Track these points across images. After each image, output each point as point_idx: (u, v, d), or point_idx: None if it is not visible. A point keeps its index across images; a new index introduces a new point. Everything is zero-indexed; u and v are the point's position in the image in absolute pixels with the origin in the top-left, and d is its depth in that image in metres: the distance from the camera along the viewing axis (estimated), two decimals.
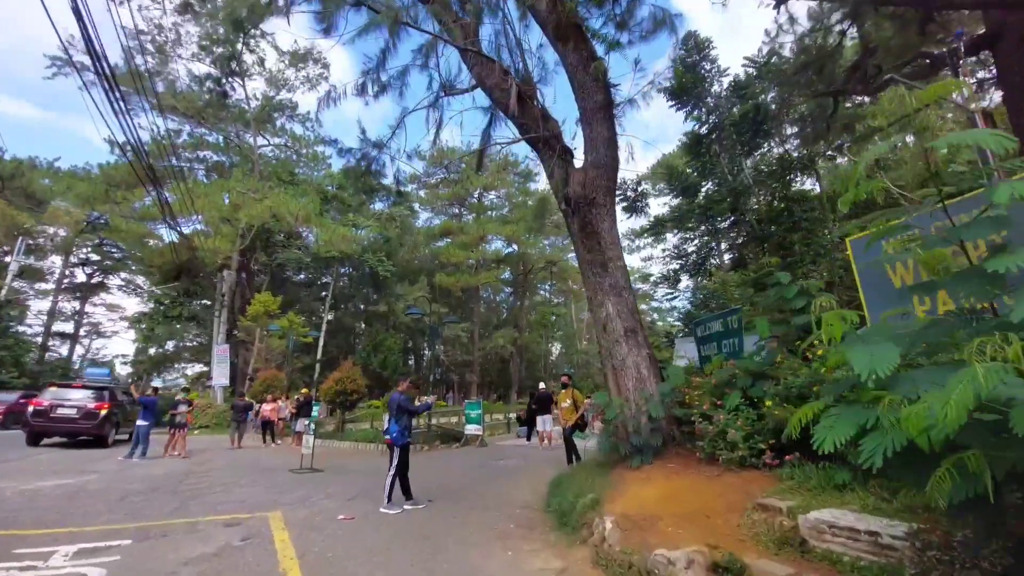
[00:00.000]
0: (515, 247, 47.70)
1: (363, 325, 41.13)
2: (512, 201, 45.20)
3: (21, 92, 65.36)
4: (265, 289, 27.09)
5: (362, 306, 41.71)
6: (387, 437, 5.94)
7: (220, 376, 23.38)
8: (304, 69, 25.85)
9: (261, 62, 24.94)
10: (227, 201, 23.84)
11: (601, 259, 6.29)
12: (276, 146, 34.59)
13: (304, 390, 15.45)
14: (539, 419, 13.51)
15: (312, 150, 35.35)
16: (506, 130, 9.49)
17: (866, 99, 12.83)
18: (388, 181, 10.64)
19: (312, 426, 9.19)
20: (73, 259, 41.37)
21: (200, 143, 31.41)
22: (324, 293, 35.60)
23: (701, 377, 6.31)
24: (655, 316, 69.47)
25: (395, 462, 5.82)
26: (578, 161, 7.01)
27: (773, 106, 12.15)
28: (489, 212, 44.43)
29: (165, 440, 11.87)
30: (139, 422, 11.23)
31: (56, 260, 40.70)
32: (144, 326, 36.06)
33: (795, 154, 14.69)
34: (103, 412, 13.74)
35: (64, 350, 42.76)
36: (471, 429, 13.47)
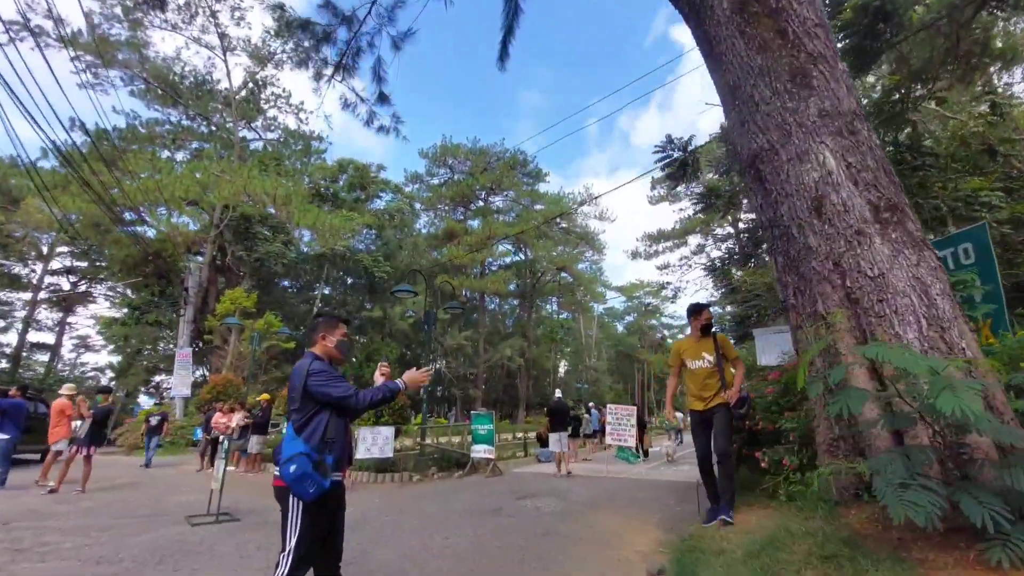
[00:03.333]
0: (523, 254, 44.54)
1: (357, 334, 37.47)
2: (520, 203, 42.01)
3: None
4: (249, 290, 23.67)
5: (357, 312, 38.22)
6: (275, 475, 2.31)
7: (180, 385, 19.68)
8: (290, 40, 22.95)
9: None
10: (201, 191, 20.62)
11: (792, 62, 2.80)
12: (268, 141, 31.63)
13: (265, 395, 11.71)
14: (552, 436, 10.12)
15: (307, 143, 32.37)
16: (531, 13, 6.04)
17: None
18: (365, 87, 7.24)
19: (225, 445, 5.56)
20: (57, 266, 38.13)
21: (181, 131, 28.44)
22: (318, 302, 32.14)
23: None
24: (665, 333, 65.79)
25: (294, 535, 2.17)
26: None
27: None
28: (496, 216, 41.17)
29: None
30: None
31: (26, 266, 37.35)
32: (110, 332, 32.60)
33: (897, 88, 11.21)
34: None
35: (62, 365, 39.45)
36: (480, 451, 9.73)
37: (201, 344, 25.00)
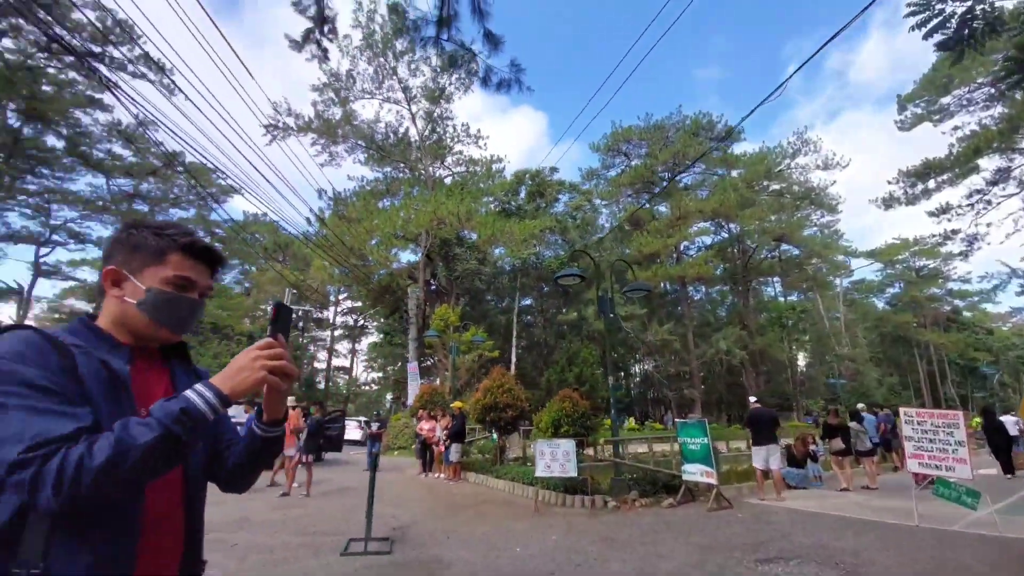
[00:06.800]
0: (726, 231, 38.26)
1: (557, 339, 37.82)
2: (713, 172, 36.26)
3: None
4: (455, 306, 26.25)
5: (554, 318, 38.74)
6: None
7: (412, 395, 22.69)
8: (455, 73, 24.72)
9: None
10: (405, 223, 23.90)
11: None
12: (457, 174, 34.91)
13: (457, 404, 11.75)
14: (755, 450, 8.20)
15: (487, 166, 34.55)
16: None
17: None
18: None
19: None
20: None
21: (392, 182, 33.75)
22: (522, 314, 33.82)
23: None
24: (957, 303, 47.88)
25: None
26: None
27: None
28: (686, 192, 36.34)
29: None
30: None
31: (324, 311, 49.77)
32: (375, 353, 40.66)
33: None
34: None
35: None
36: (694, 473, 7.41)
37: (433, 360, 28.70)
